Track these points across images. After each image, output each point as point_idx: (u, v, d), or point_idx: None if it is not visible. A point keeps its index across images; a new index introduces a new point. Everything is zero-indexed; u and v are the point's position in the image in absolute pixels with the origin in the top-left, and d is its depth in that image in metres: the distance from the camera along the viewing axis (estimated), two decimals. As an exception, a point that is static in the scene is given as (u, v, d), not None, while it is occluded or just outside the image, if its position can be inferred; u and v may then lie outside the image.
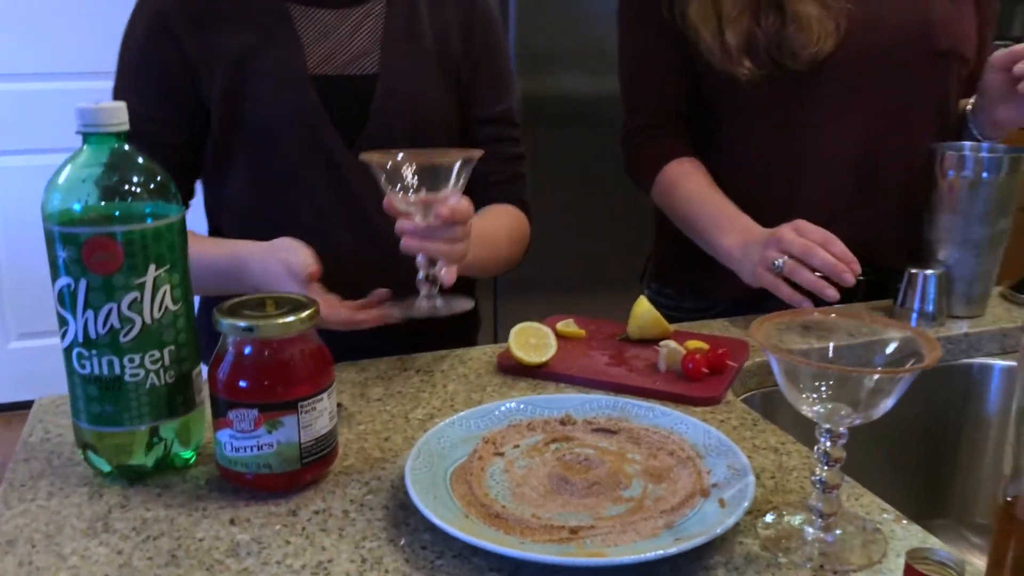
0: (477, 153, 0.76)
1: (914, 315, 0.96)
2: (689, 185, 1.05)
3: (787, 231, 0.89)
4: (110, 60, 1.02)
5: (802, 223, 0.89)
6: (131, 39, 0.99)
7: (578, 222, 2.37)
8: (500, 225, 1.00)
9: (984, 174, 0.93)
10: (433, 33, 1.02)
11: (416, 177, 0.74)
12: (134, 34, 0.99)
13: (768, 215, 0.97)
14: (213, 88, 0.96)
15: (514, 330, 0.83)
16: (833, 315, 0.59)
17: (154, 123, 0.95)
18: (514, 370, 0.82)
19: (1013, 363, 0.93)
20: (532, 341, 0.82)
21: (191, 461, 0.66)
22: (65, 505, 0.61)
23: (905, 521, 0.60)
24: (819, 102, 0.99)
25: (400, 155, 0.75)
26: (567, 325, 0.90)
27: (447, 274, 0.78)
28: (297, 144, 0.95)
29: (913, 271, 0.96)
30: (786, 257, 0.88)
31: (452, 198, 0.74)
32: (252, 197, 0.98)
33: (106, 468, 0.63)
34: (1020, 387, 0.44)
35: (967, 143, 0.99)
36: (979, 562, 0.55)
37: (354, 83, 0.98)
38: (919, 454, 0.95)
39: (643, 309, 0.87)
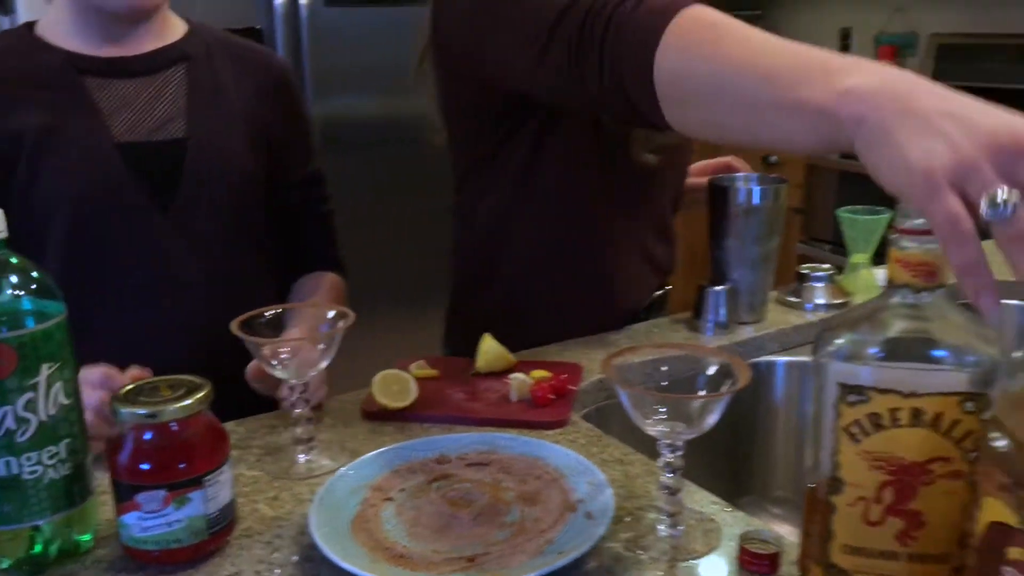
0: (350, 320, 0.79)
1: (710, 324, 1.12)
2: (738, 27, 0.68)
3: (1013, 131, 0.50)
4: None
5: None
6: None
7: (372, 243, 2.43)
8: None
9: (755, 202, 1.10)
10: (238, 95, 1.06)
11: (291, 356, 0.78)
12: None
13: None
14: (17, 170, 0.95)
15: (376, 379, 0.90)
16: (665, 348, 0.71)
17: None
18: (379, 416, 0.89)
19: (793, 358, 1.11)
20: (395, 388, 0.89)
21: (91, 545, 0.68)
22: (-31, 609, 0.62)
23: (731, 509, 0.73)
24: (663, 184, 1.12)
25: (284, 350, 0.78)
26: (420, 367, 0.97)
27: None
28: (110, 215, 0.96)
29: (706, 287, 1.12)
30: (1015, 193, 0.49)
31: (323, 362, 0.79)
32: (69, 276, 0.97)
33: (6, 564, 0.64)
34: (814, 397, 0.57)
35: (739, 175, 1.16)
36: (780, 530, 0.69)
37: (163, 148, 1.00)
38: (724, 442, 1.11)
39: (489, 346, 0.97)
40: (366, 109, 2.48)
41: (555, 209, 1.05)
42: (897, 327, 0.55)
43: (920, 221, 0.53)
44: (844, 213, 1.23)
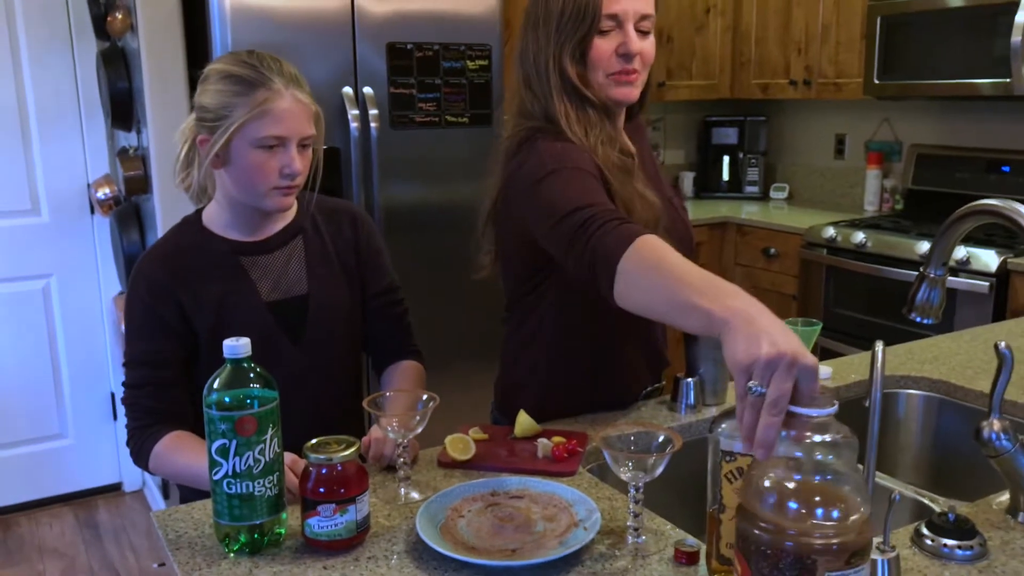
0: (436, 402, 1.23)
1: (683, 405, 1.55)
2: (674, 256, 1.08)
3: (786, 363, 0.84)
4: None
5: (805, 358, 0.85)
6: (136, 300, 1.43)
7: (426, 309, 2.91)
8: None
9: (716, 318, 1.53)
10: (336, 253, 1.54)
11: (398, 422, 1.23)
12: (138, 296, 1.43)
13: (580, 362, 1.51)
14: (202, 324, 1.42)
15: (447, 440, 1.34)
16: (634, 425, 1.15)
17: (160, 356, 1.41)
18: (450, 465, 1.33)
19: (739, 432, 1.53)
20: (460, 446, 1.34)
21: (283, 536, 1.12)
22: (217, 573, 1.06)
23: (677, 529, 1.16)
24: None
25: (395, 420, 1.22)
26: (476, 432, 1.41)
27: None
28: (263, 349, 1.33)
29: (680, 379, 1.55)
30: (762, 389, 0.84)
31: (419, 428, 1.23)
32: None
33: (237, 546, 1.09)
34: (710, 458, 1.00)
35: (706, 297, 1.60)
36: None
37: (294, 302, 1.49)
38: (697, 496, 1.52)
39: (524, 419, 1.41)
40: (420, 199, 3.00)
41: (576, 332, 1.51)
42: (753, 419, 0.98)
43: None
44: (787, 324, 1.66)
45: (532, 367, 1.56)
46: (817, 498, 0.82)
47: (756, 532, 0.83)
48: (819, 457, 0.83)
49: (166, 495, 3.19)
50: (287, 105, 1.36)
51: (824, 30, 3.64)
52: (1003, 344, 1.12)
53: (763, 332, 0.88)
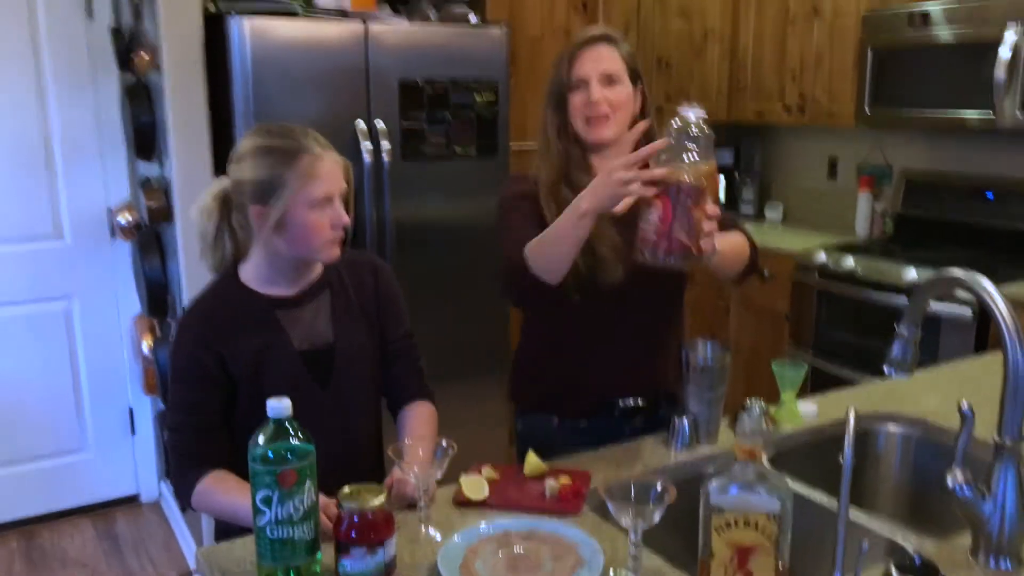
0: (454, 450, 1.37)
1: (678, 443, 1.68)
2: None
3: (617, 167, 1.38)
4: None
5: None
6: (180, 350, 1.56)
7: (435, 318, 3.05)
8: (432, 437, 1.56)
9: (709, 362, 1.66)
10: (359, 303, 1.67)
11: (419, 470, 1.36)
12: (183, 347, 1.56)
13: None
14: (241, 373, 1.55)
15: (462, 480, 1.47)
16: (636, 477, 1.28)
17: (202, 402, 1.53)
18: (465, 504, 1.46)
19: (730, 470, 1.66)
20: (474, 487, 1.46)
21: (319, 574, 1.25)
22: (265, 606, 1.19)
23: (670, 564, 1.28)
24: (611, 310, 1.72)
25: (416, 467, 1.36)
26: (488, 472, 1.54)
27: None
28: (292, 397, 1.37)
29: (676, 418, 1.68)
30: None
31: (439, 474, 1.36)
32: None
33: (279, 585, 1.22)
34: (701, 510, 1.13)
35: (699, 341, 1.73)
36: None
37: (322, 350, 1.62)
38: (689, 528, 1.65)
39: (533, 459, 1.54)
40: (429, 224, 3.14)
41: (548, 333, 1.75)
42: (740, 479, 1.11)
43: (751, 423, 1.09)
44: (775, 365, 1.79)
45: (519, 359, 1.89)
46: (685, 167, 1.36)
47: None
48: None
49: (183, 508, 3.32)
50: (328, 165, 1.50)
51: (818, 59, 3.76)
52: (966, 405, 1.25)
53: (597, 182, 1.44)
